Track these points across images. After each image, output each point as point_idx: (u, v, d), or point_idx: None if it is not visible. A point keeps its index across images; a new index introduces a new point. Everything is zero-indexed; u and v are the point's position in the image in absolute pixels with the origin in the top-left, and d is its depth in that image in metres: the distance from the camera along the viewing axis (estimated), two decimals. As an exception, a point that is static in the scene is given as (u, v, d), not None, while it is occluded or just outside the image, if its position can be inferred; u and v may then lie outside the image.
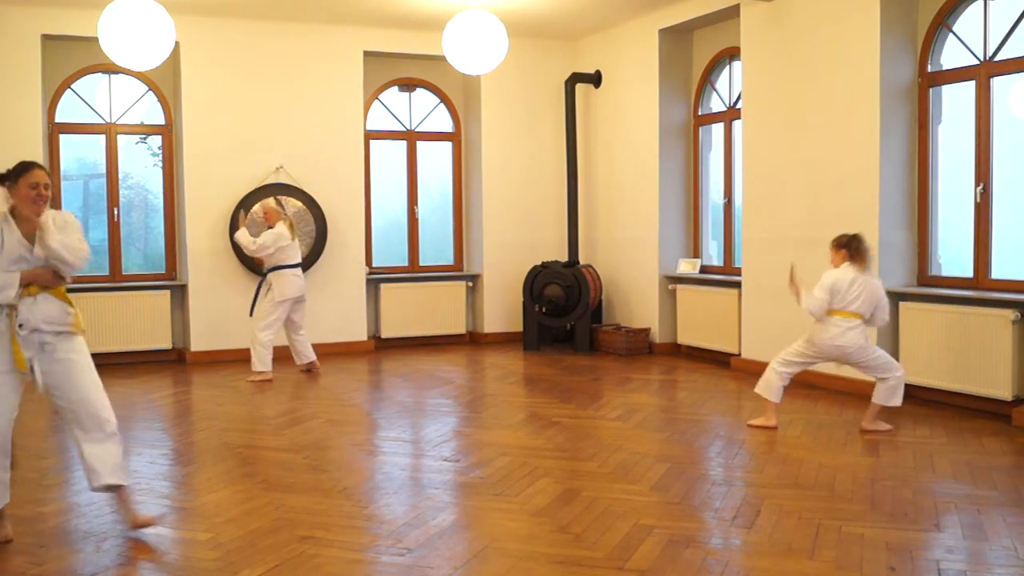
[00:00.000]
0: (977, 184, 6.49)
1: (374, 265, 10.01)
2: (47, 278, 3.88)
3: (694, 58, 9.20)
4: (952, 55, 6.74)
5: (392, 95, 10.14)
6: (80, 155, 9.37)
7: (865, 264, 5.71)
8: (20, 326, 3.81)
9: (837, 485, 4.64)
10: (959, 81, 6.64)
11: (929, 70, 6.81)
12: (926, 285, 6.84)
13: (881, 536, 3.90)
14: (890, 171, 6.82)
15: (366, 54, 9.58)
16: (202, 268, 9.01)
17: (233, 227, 8.81)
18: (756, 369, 6.10)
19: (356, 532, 4.04)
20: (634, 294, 9.62)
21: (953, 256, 6.91)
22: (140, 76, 9.03)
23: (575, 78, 9.93)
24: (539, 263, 9.72)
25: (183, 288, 9.10)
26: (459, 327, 10.16)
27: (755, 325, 7.96)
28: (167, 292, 8.99)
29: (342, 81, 9.47)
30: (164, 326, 8.97)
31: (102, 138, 9.06)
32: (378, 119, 10.06)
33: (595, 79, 10.04)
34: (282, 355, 8.56)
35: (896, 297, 6.77)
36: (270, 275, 7.99)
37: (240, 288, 9.04)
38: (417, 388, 7.63)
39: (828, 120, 7.18)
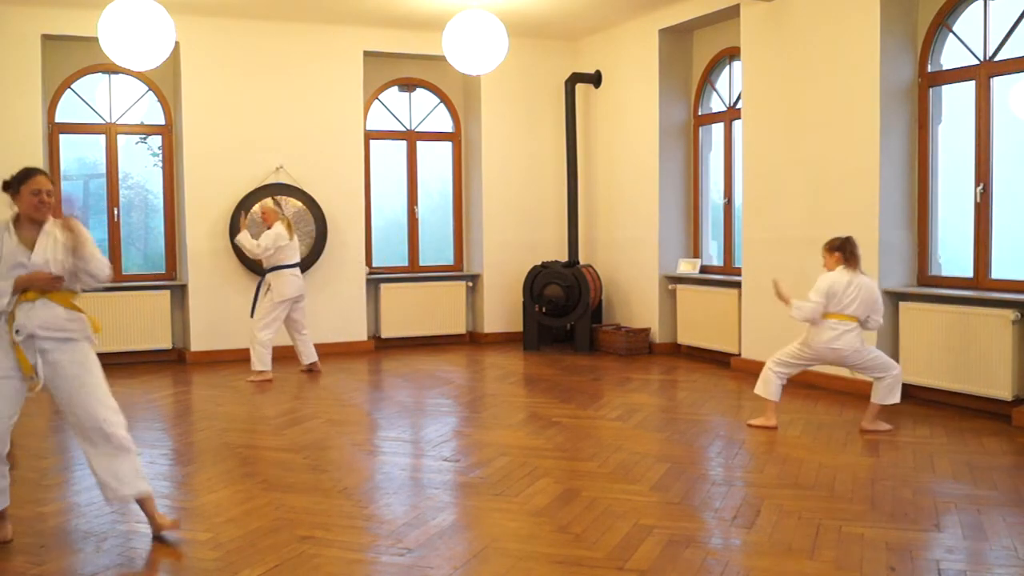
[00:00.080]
0: (977, 184, 6.49)
1: (374, 265, 10.01)
2: (43, 281, 3.81)
3: (694, 58, 9.20)
4: (952, 55, 6.74)
5: (392, 95, 10.14)
6: (80, 155, 9.37)
7: (858, 266, 5.71)
8: (16, 332, 3.78)
9: (837, 485, 4.64)
10: (959, 81, 6.64)
11: (929, 70, 6.81)
12: (926, 285, 6.84)
13: (881, 536, 3.90)
14: (890, 171, 6.82)
15: (366, 54, 9.58)
16: (202, 268, 9.01)
17: (233, 228, 8.82)
18: (756, 369, 6.10)
19: (356, 532, 4.04)
20: (634, 294, 9.62)
21: (953, 256, 6.91)
22: (140, 76, 9.03)
23: (575, 78, 9.93)
24: (539, 263, 9.72)
25: (183, 288, 9.10)
26: (459, 327, 10.16)
27: (755, 325, 7.96)
28: (167, 292, 8.99)
29: (342, 81, 9.47)
30: (164, 326, 8.98)
31: (102, 138, 9.06)
32: (378, 119, 10.06)
33: (595, 79, 10.04)
34: (283, 355, 8.56)
35: (896, 297, 6.78)
36: (269, 275, 7.99)
37: (240, 288, 9.04)
38: (417, 388, 7.63)
39: (828, 120, 7.18)
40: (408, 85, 10.16)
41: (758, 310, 7.86)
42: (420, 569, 3.59)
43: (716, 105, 9.04)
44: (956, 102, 6.75)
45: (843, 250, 5.73)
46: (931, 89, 6.82)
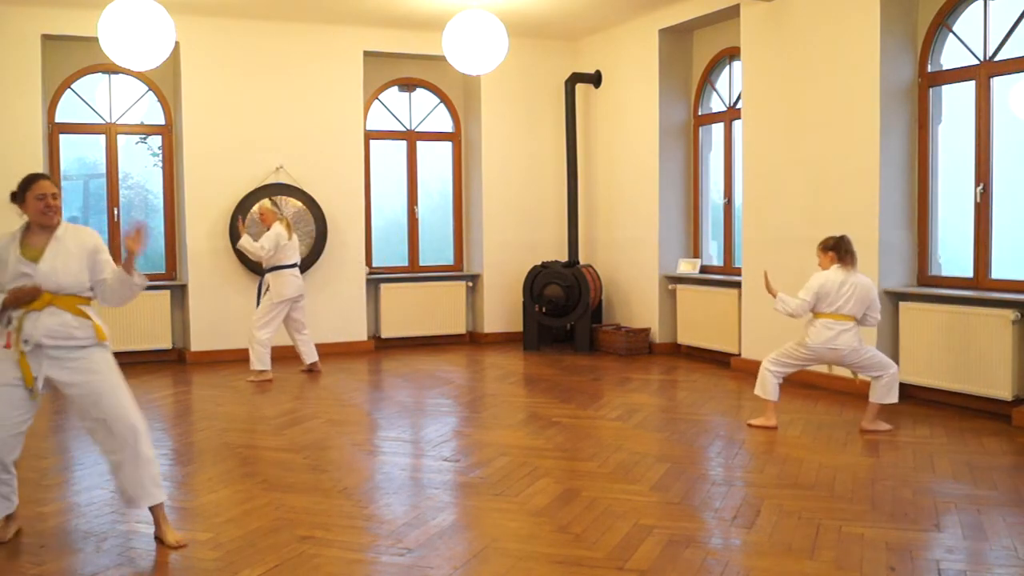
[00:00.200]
0: (977, 184, 6.49)
1: (374, 265, 10.01)
2: (26, 294, 3.75)
3: (694, 58, 9.20)
4: (952, 55, 6.74)
5: (392, 95, 10.14)
6: (80, 155, 9.37)
7: (853, 265, 5.71)
8: (24, 342, 3.77)
9: (837, 485, 4.64)
10: (959, 81, 6.64)
11: (929, 70, 6.81)
12: (926, 285, 6.84)
13: (881, 536, 3.90)
14: (890, 171, 6.82)
15: (366, 54, 9.58)
16: (202, 268, 9.01)
17: (233, 231, 8.81)
18: (756, 369, 6.10)
19: (356, 532, 4.04)
20: (634, 294, 9.62)
21: (953, 256, 6.91)
22: (140, 76, 9.03)
23: (575, 78, 9.93)
24: (539, 263, 9.72)
25: (183, 288, 9.10)
26: (459, 327, 10.16)
27: (755, 325, 7.96)
28: (167, 292, 8.99)
29: (342, 81, 9.47)
30: (164, 326, 8.98)
31: (102, 138, 9.06)
32: (378, 119, 10.06)
33: (595, 79, 10.04)
34: (283, 355, 8.57)
35: (896, 297, 6.78)
36: (268, 275, 7.99)
37: (240, 288, 9.04)
38: (417, 388, 7.63)
39: (828, 120, 7.18)
40: (408, 85, 10.16)
41: (758, 310, 7.86)
42: (420, 569, 3.59)
43: (716, 105, 9.04)
44: (956, 102, 6.75)
45: (837, 249, 5.74)
46: (931, 89, 6.82)
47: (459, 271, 10.41)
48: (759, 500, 4.41)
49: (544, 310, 9.41)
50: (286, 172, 9.25)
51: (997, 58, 6.42)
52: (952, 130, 6.80)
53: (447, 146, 10.41)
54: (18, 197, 3.87)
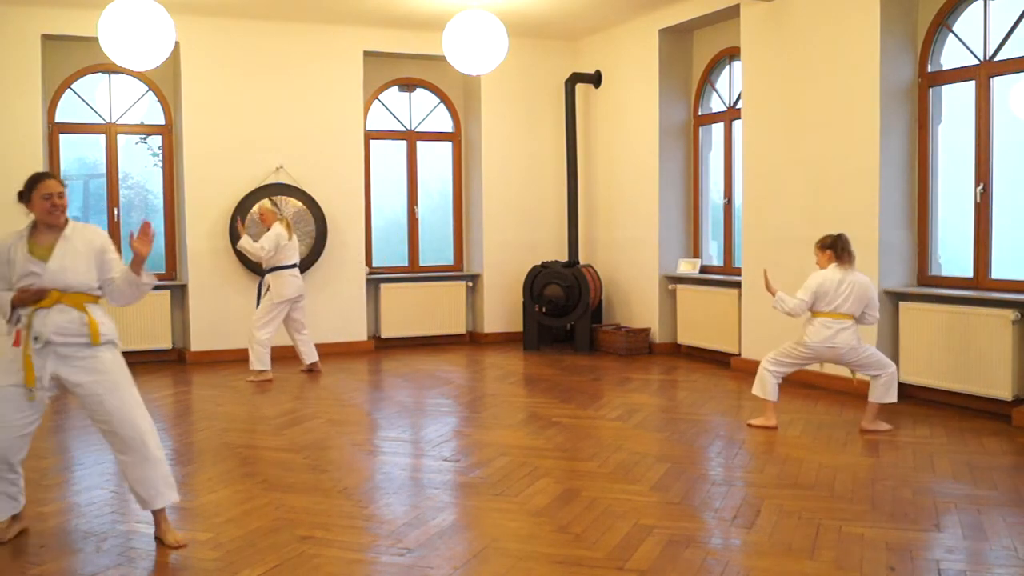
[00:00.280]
0: (977, 184, 6.49)
1: (374, 265, 10.01)
2: (32, 295, 3.77)
3: (694, 58, 9.20)
4: (952, 55, 6.74)
5: (392, 95, 10.14)
6: (80, 155, 9.37)
7: (851, 263, 5.71)
8: (35, 339, 3.78)
9: (837, 485, 4.64)
10: (959, 81, 6.64)
11: (929, 70, 6.81)
12: (926, 285, 6.84)
13: (881, 536, 3.90)
14: (890, 171, 6.82)
15: (366, 54, 9.58)
16: (202, 268, 9.01)
17: (233, 231, 8.81)
18: (756, 369, 6.09)
19: (356, 532, 4.04)
20: (634, 294, 9.62)
21: (953, 256, 6.91)
22: (140, 76, 9.03)
23: (575, 78, 9.93)
24: (539, 263, 9.72)
25: (183, 288, 9.10)
26: (459, 327, 10.16)
27: (755, 325, 7.96)
28: (167, 292, 8.99)
29: (342, 81, 9.47)
30: (164, 326, 8.98)
31: (102, 138, 9.06)
32: (378, 119, 10.06)
33: (595, 79, 10.04)
34: (283, 355, 8.57)
35: (896, 297, 6.78)
36: (268, 276, 7.99)
37: (240, 288, 9.05)
38: (417, 388, 7.63)
39: (828, 120, 7.18)
40: (408, 85, 10.16)
41: (758, 310, 7.86)
42: (420, 569, 3.59)
43: (716, 105, 9.04)
44: (956, 102, 6.75)
45: (835, 248, 5.74)
46: (931, 89, 6.82)
47: (459, 271, 10.41)
48: (759, 500, 4.41)
49: (544, 310, 9.41)
50: (286, 172, 9.25)
51: (997, 58, 6.42)
52: (952, 130, 6.80)
53: (447, 146, 10.41)
54: (24, 196, 3.88)
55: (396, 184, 10.21)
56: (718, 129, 9.01)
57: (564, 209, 10.10)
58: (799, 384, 7.07)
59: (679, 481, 4.75)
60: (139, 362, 8.82)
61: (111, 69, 8.86)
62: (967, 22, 6.64)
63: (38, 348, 3.78)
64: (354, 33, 9.46)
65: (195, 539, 3.96)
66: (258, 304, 8.06)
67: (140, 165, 9.49)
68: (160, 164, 9.30)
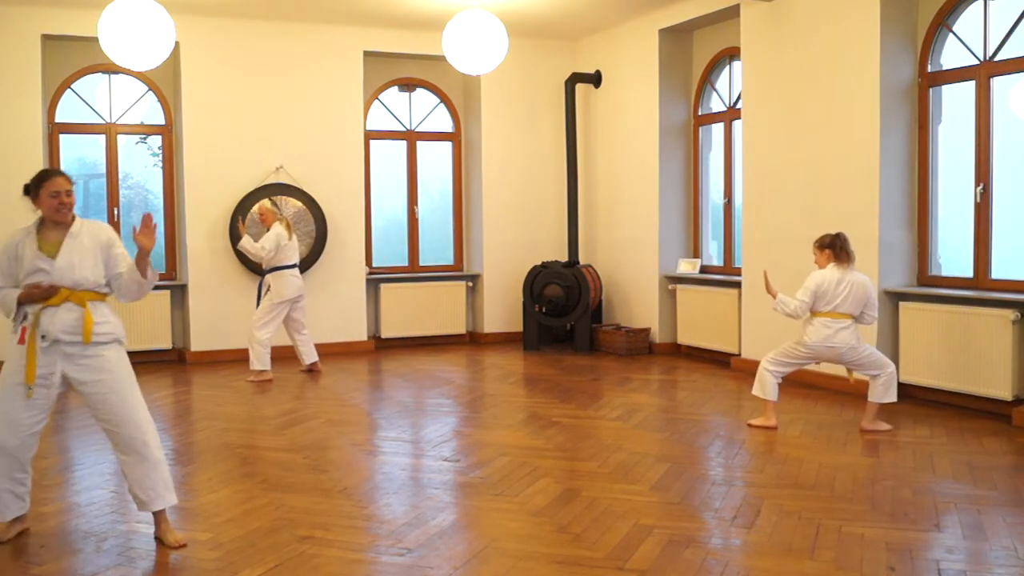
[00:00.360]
0: (977, 184, 6.49)
1: (374, 265, 10.01)
2: (41, 293, 3.77)
3: (694, 58, 9.20)
4: (952, 55, 6.74)
5: (392, 95, 10.14)
6: (80, 155, 9.37)
7: (850, 262, 5.71)
8: (42, 337, 3.78)
9: (837, 485, 4.64)
10: (959, 81, 6.64)
11: (929, 70, 6.81)
12: (926, 285, 6.84)
13: (881, 536, 3.90)
14: (890, 171, 6.82)
15: (366, 54, 9.58)
16: (202, 268, 9.01)
17: (233, 231, 8.81)
18: (756, 369, 6.10)
19: (356, 532, 4.04)
20: (634, 294, 9.62)
21: (953, 256, 6.91)
22: (140, 76, 9.03)
23: (575, 78, 9.93)
24: (539, 263, 9.72)
25: (183, 288, 9.10)
26: (459, 327, 10.16)
27: (755, 325, 7.96)
28: (167, 292, 8.99)
29: (342, 81, 9.47)
30: (164, 326, 8.98)
31: (102, 138, 9.06)
32: (378, 119, 10.06)
33: (595, 79, 10.04)
34: (283, 355, 8.57)
35: (896, 297, 6.78)
36: (268, 276, 7.99)
37: (240, 288, 9.05)
38: (417, 388, 7.63)
39: (828, 120, 7.18)
40: (408, 85, 10.16)
41: (758, 310, 7.86)
42: (420, 569, 3.59)
43: (716, 105, 9.04)
44: (956, 102, 6.75)
45: (833, 247, 5.73)
46: (931, 89, 6.82)
47: (459, 271, 10.41)
48: (759, 500, 4.41)
49: (544, 310, 9.41)
50: (286, 172, 9.25)
51: (997, 58, 6.42)
52: (952, 130, 6.80)
53: (447, 146, 10.41)
54: (32, 192, 3.88)
55: (396, 184, 10.21)
56: (718, 129, 9.01)
57: (564, 209, 10.10)
58: (799, 384, 7.07)
59: (679, 481, 4.75)
60: (139, 362, 8.74)
61: (111, 69, 8.86)
62: (967, 22, 6.64)
63: (45, 346, 3.78)
64: (354, 33, 9.46)
65: (195, 539, 3.96)
66: (258, 304, 8.07)
67: (140, 165, 9.49)
68: (160, 164, 9.30)
